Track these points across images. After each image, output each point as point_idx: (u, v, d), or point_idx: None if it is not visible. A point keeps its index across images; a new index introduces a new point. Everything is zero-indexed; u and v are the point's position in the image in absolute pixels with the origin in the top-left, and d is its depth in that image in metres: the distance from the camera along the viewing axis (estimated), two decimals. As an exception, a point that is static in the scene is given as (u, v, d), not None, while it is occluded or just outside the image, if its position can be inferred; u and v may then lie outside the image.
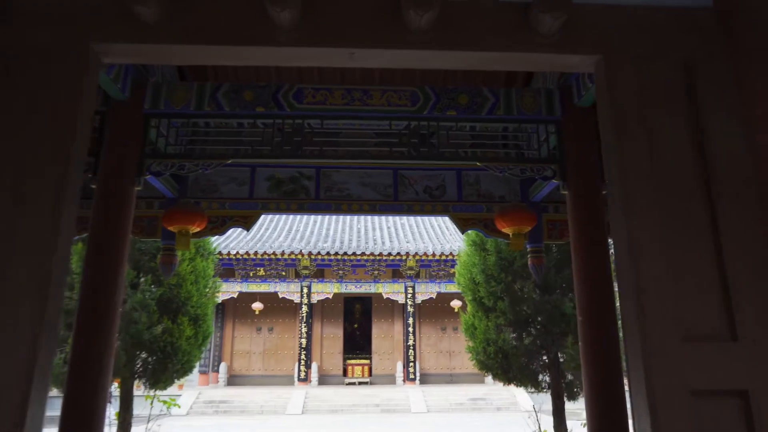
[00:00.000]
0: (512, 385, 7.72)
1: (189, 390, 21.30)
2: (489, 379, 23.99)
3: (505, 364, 7.42)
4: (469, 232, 8.79)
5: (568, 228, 5.42)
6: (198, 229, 4.63)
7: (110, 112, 4.26)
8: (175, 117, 4.42)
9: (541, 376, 7.62)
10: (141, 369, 7.40)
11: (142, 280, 7.53)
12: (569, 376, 7.63)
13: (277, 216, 27.19)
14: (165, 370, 7.38)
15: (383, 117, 4.48)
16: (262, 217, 28.52)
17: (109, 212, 4.11)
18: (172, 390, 22.23)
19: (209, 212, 5.55)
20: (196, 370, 23.40)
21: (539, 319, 7.64)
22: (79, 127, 2.34)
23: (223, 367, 24.07)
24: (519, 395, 20.69)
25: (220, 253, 21.28)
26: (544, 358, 7.69)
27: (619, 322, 2.46)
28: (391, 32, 2.38)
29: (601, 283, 4.03)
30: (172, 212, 4.46)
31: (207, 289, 8.06)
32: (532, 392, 7.84)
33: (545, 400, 8.89)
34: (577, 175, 4.27)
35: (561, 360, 7.46)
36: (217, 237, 25.10)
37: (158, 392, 7.70)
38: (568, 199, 4.31)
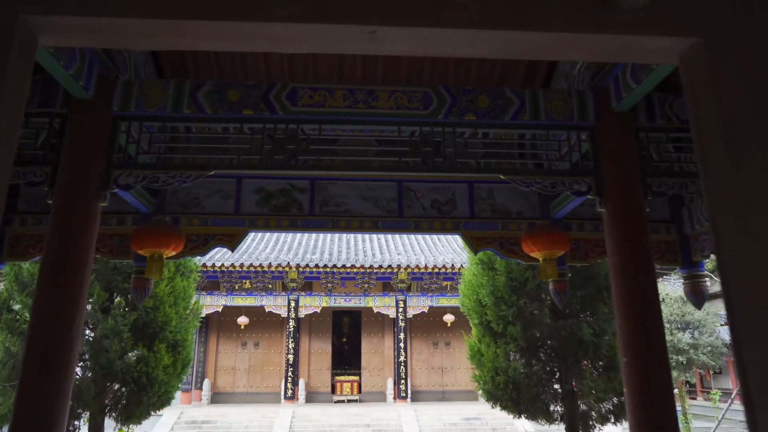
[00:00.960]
0: (522, 417, 7.11)
1: (170, 409, 20.26)
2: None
3: (515, 395, 6.81)
4: None
5: (596, 249, 4.86)
6: (174, 253, 3.97)
7: (71, 113, 3.61)
8: (148, 120, 3.78)
9: (552, 407, 7.01)
10: (113, 402, 6.64)
11: (117, 300, 6.78)
12: (582, 406, 7.04)
13: (265, 227, 26.43)
14: (139, 403, 6.61)
15: (391, 122, 3.89)
16: (249, 227, 27.66)
17: (67, 231, 3.45)
18: (151, 410, 21.25)
19: (189, 229, 4.89)
20: (177, 389, 22.43)
21: (549, 342, 7.06)
22: (4, 127, 1.71)
23: (206, 384, 23.08)
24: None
25: (204, 265, 20.41)
26: (555, 386, 7.09)
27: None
28: (426, 6, 1.80)
29: (647, 318, 3.46)
30: (141, 233, 3.78)
31: (188, 312, 7.32)
32: (543, 425, 7.25)
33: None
34: (616, 190, 3.71)
35: (575, 389, 6.88)
36: None
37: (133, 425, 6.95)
38: (606, 218, 3.75)
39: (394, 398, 22.33)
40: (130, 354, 6.48)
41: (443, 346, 24.77)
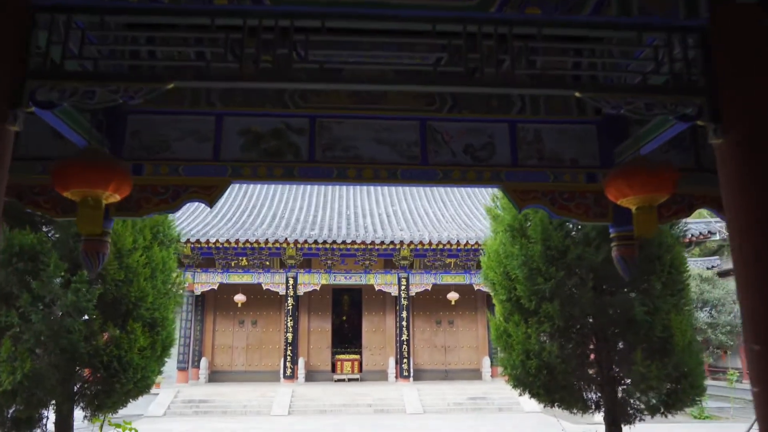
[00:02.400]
0: (555, 406, 6.15)
1: (167, 388, 19.56)
2: (487, 375, 22.63)
3: (549, 382, 5.84)
4: (501, 213, 7.15)
5: (671, 206, 3.82)
6: (117, 196, 2.88)
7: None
8: (78, 12, 2.67)
9: (587, 394, 6.06)
10: (81, 389, 5.63)
11: (82, 272, 5.70)
12: (620, 393, 6.10)
13: (260, 201, 25.33)
14: (112, 391, 5.58)
15: (423, 17, 2.79)
16: (244, 201, 26.36)
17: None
18: (145, 390, 20.43)
19: (155, 180, 3.82)
20: (173, 366, 21.61)
21: (589, 322, 6.05)
22: None
23: (203, 362, 22.35)
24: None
25: (198, 241, 19.42)
26: (590, 371, 6.12)
27: None
28: None
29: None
30: (65, 167, 2.69)
31: (168, 286, 6.25)
32: (575, 413, 6.33)
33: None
34: (740, 114, 2.64)
35: (617, 376, 5.91)
36: (188, 221, 23.22)
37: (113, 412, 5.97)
38: (724, 152, 2.69)
39: (396, 377, 21.63)
40: (97, 335, 5.46)
41: (446, 325, 23.98)
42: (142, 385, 5.88)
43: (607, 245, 5.42)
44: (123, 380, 5.57)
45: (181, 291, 6.75)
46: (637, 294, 5.73)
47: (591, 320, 5.86)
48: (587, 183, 4.06)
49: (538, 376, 5.74)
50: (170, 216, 6.70)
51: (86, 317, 5.49)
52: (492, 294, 6.72)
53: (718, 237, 17.49)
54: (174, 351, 21.68)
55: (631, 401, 6.03)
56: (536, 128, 4.14)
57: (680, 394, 5.46)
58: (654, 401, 5.63)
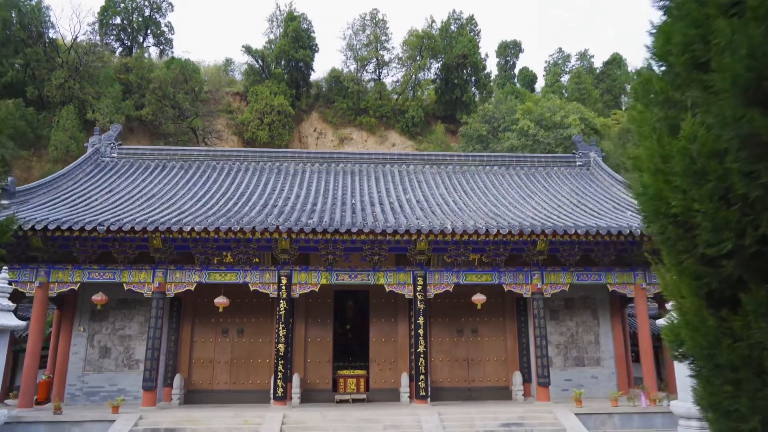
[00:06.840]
0: None
1: (128, 413, 15.70)
2: (518, 394, 18.87)
3: None
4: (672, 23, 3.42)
5: None
6: None
7: None
8: None
9: None
10: None
11: None
12: None
13: (250, 189, 21.64)
14: None
15: None
16: (231, 189, 22.38)
17: None
18: (103, 412, 16.51)
19: None
20: (138, 386, 17.59)
21: None
22: None
23: (177, 380, 18.55)
24: (565, 418, 15.56)
25: (169, 230, 15.74)
26: None
27: None
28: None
29: None
30: None
31: None
32: None
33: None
34: None
35: None
36: (160, 209, 19.16)
37: None
38: None
39: (411, 397, 17.86)
40: None
41: (469, 334, 20.25)
42: None
43: None
44: None
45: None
46: None
47: None
48: None
49: None
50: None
51: None
52: (657, 236, 2.87)
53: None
54: (140, 367, 17.55)
55: None
56: None
57: None
58: None
